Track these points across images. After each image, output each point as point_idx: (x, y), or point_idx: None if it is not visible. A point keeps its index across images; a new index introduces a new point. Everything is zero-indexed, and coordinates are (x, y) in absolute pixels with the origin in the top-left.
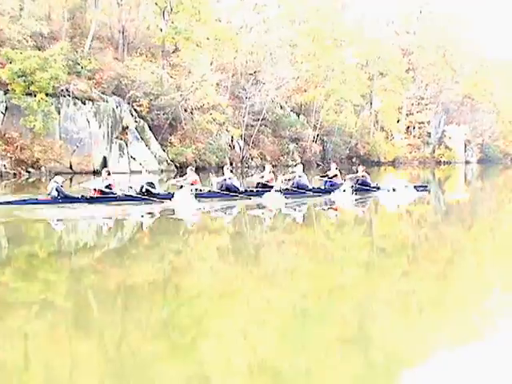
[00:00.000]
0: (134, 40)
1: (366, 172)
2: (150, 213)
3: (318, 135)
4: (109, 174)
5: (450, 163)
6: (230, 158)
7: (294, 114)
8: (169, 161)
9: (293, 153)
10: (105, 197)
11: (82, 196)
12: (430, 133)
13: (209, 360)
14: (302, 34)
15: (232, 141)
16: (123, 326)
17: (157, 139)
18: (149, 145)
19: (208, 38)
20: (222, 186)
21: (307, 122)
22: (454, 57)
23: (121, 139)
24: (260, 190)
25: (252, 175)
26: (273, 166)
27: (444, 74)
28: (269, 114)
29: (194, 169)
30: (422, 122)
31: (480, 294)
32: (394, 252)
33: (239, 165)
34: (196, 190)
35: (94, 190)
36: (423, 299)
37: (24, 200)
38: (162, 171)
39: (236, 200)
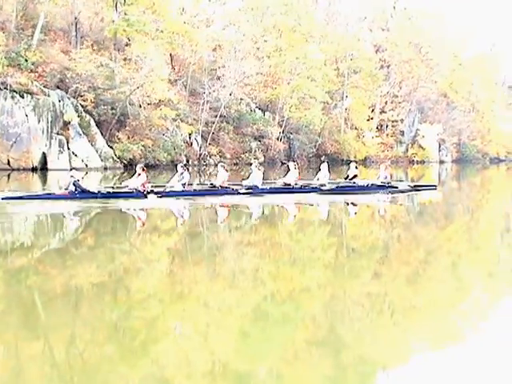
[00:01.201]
0: (89, 32)
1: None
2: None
3: (283, 133)
4: (143, 169)
5: (424, 162)
6: (186, 156)
7: (259, 110)
8: (115, 158)
9: (255, 151)
10: (121, 192)
11: (99, 191)
12: (403, 131)
13: (163, 364)
14: (267, 28)
15: (190, 138)
16: (72, 328)
17: (104, 135)
18: (94, 141)
19: (162, 31)
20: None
21: (273, 120)
22: (430, 54)
23: (62, 135)
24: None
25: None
26: (234, 164)
27: (419, 71)
28: (231, 111)
29: (224, 166)
30: (396, 121)
31: (452, 295)
32: (364, 253)
33: (196, 162)
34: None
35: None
36: (395, 301)
37: (41, 195)
38: (106, 168)
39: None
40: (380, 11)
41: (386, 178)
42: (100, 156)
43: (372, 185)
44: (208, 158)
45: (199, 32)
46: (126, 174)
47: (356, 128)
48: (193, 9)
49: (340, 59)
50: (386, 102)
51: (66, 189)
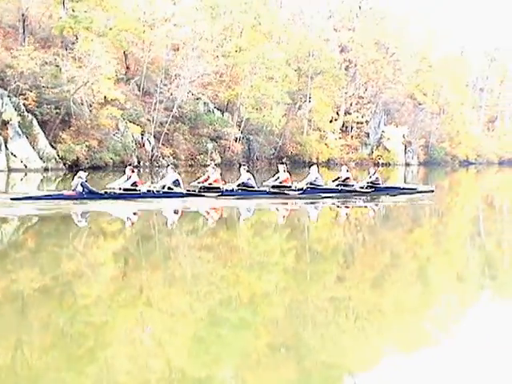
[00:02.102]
0: (38, 29)
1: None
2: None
3: (242, 134)
4: (133, 171)
5: (389, 165)
6: (137, 157)
7: (218, 111)
8: (58, 159)
9: (212, 152)
10: (129, 193)
11: (106, 192)
12: (368, 133)
13: (115, 371)
14: (225, 27)
15: (142, 138)
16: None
17: (47, 135)
18: (36, 141)
19: (111, 29)
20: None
21: (232, 120)
22: (396, 55)
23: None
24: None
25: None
26: (189, 166)
27: (385, 72)
28: (187, 111)
29: (215, 167)
30: (361, 122)
31: (417, 299)
32: (328, 257)
33: (147, 164)
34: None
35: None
36: (358, 305)
37: (49, 195)
38: (46, 169)
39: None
40: (346, 11)
41: (376, 179)
42: (42, 157)
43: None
44: (160, 159)
45: (153, 30)
46: (69, 175)
47: (319, 129)
48: (149, 7)
49: (302, 59)
50: (351, 104)
51: (73, 189)
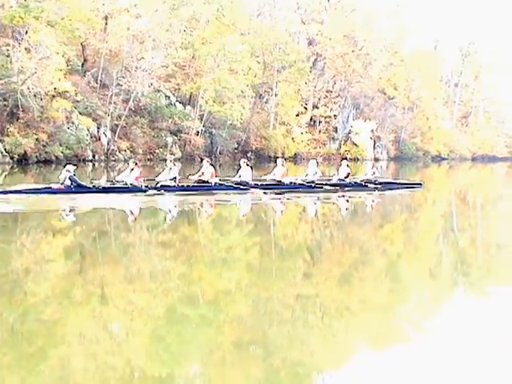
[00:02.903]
0: None
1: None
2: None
3: (204, 127)
4: (136, 164)
5: (358, 160)
6: (92, 151)
7: (180, 104)
8: (4, 153)
9: (172, 146)
10: (118, 187)
11: (94, 186)
12: (336, 128)
13: (72, 370)
14: (186, 18)
15: (98, 132)
16: None
17: None
18: None
19: (62, 19)
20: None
21: (194, 114)
22: (366, 49)
23: None
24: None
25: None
26: (148, 160)
27: (354, 66)
28: (146, 104)
29: (209, 161)
30: (329, 117)
31: (386, 296)
32: (295, 254)
33: (103, 158)
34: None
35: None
36: (326, 302)
37: (38, 189)
38: None
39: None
40: (314, 3)
41: (373, 174)
42: None
43: (364, 182)
44: (117, 153)
45: (111, 21)
46: (16, 169)
47: (285, 124)
48: None
49: (267, 52)
50: (319, 98)
51: (61, 183)
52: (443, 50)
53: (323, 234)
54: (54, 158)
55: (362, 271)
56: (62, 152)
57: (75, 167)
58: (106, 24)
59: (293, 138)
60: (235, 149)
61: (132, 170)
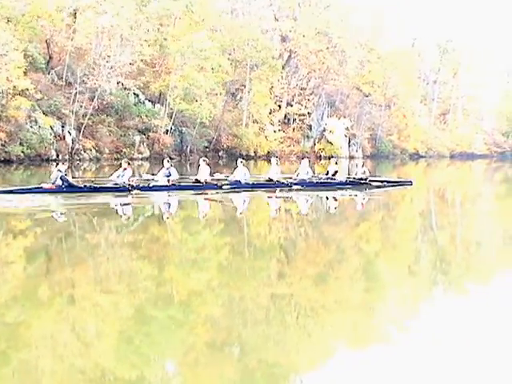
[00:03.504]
0: None
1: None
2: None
3: (174, 126)
4: (128, 163)
5: (333, 158)
6: (56, 150)
7: (149, 102)
8: None
9: (139, 145)
10: (110, 186)
11: (85, 185)
12: (311, 125)
13: (36, 373)
14: (153, 14)
15: (63, 131)
16: None
17: None
18: None
19: (23, 15)
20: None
21: (164, 112)
22: (341, 46)
23: None
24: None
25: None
26: (115, 159)
27: (328, 63)
28: (114, 102)
29: (206, 160)
30: (303, 114)
31: (361, 296)
32: (268, 253)
33: (67, 157)
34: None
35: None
36: (301, 302)
37: (29, 189)
38: None
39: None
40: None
41: (363, 173)
42: None
43: (350, 180)
44: (82, 152)
45: (76, 17)
46: None
47: (258, 122)
48: None
49: (238, 49)
50: (294, 95)
51: (52, 183)
52: (421, 47)
53: (310, 232)
54: (14, 157)
55: (338, 270)
56: (23, 151)
57: (66, 167)
58: (75, 21)
59: (266, 137)
60: (206, 147)
61: (125, 169)
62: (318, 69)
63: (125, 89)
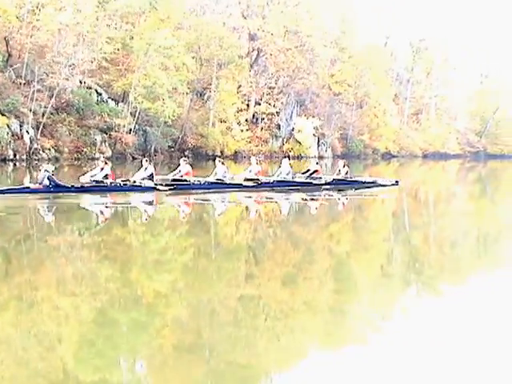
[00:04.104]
0: None
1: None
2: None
3: (138, 125)
4: (105, 163)
5: (301, 158)
6: (13, 150)
7: (113, 101)
8: None
9: (101, 144)
10: (97, 186)
11: (73, 185)
12: (279, 125)
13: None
14: (115, 11)
15: (21, 130)
16: None
17: None
18: None
19: None
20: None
21: (127, 111)
22: (310, 44)
23: None
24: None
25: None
26: (75, 159)
27: (297, 62)
28: (74, 100)
29: (186, 160)
30: (272, 114)
31: (331, 297)
32: (236, 254)
33: (24, 157)
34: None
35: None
36: (270, 304)
37: (15, 189)
38: None
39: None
40: None
41: (346, 173)
42: None
43: (334, 180)
44: (40, 152)
45: (35, 15)
46: None
47: (225, 121)
48: None
49: (204, 47)
50: (262, 94)
51: (40, 183)
52: (394, 46)
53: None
54: None
55: (307, 271)
56: None
57: (53, 167)
58: (34, 18)
59: (233, 136)
60: (171, 147)
61: (102, 169)
62: (286, 67)
63: (87, 87)
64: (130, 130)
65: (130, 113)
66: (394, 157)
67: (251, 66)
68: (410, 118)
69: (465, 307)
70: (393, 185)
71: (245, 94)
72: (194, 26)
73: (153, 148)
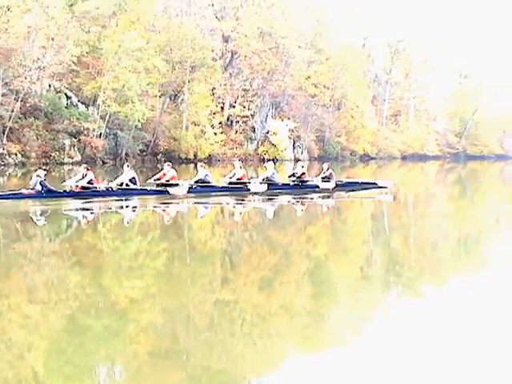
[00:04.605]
0: None
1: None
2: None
3: (108, 129)
4: (88, 169)
5: (276, 160)
6: None
7: (82, 105)
8: None
9: (69, 149)
10: (88, 191)
11: (65, 191)
12: (254, 128)
13: None
14: (82, 14)
15: None
16: None
17: None
18: None
19: None
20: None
21: (98, 115)
22: (285, 46)
23: None
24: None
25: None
26: (43, 164)
27: (271, 64)
28: (42, 104)
29: (170, 164)
30: (246, 116)
31: (308, 300)
32: (211, 258)
33: None
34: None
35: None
36: (246, 309)
37: (8, 195)
38: None
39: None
40: None
41: (330, 175)
42: None
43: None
44: (6, 157)
45: (3, 17)
46: None
47: (198, 124)
48: None
49: (175, 49)
50: (237, 97)
51: (32, 188)
52: (372, 47)
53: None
54: None
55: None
56: None
57: (45, 172)
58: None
59: (206, 139)
60: (143, 151)
61: (85, 175)
62: (261, 69)
63: (57, 91)
64: (101, 134)
65: (101, 116)
66: (372, 159)
67: (225, 69)
68: (389, 119)
69: (445, 308)
70: (384, 187)
71: (219, 97)
72: (166, 28)
73: (124, 152)
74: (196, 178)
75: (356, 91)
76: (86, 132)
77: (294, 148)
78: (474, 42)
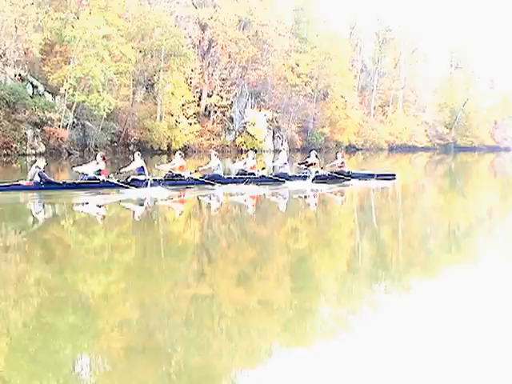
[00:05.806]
0: None
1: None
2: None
3: (76, 119)
4: (104, 158)
5: (256, 151)
6: None
7: (49, 94)
8: None
9: (32, 139)
10: (88, 183)
11: (64, 182)
12: (232, 118)
13: None
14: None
15: None
16: None
17: None
18: None
19: None
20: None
21: (64, 104)
22: (265, 35)
23: None
24: (243, 177)
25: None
26: (5, 156)
27: (250, 52)
28: (4, 94)
29: (182, 154)
30: (224, 106)
31: (287, 295)
32: (188, 252)
33: None
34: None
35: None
36: (224, 303)
37: (6, 186)
38: None
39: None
40: None
41: (342, 163)
42: None
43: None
44: None
45: None
46: None
47: (172, 114)
48: None
49: (146, 37)
50: (214, 86)
51: (30, 179)
52: (359, 36)
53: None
54: None
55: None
56: None
57: (45, 163)
58: None
59: (181, 130)
60: (114, 142)
61: (98, 163)
62: (240, 58)
63: (21, 80)
64: (67, 124)
65: (68, 106)
66: (358, 150)
67: (203, 57)
68: (377, 110)
69: (434, 301)
70: (391, 178)
71: (196, 86)
72: (137, 14)
73: (92, 143)
74: (208, 166)
75: (342, 81)
76: (50, 122)
77: (273, 139)
78: (465, 31)
